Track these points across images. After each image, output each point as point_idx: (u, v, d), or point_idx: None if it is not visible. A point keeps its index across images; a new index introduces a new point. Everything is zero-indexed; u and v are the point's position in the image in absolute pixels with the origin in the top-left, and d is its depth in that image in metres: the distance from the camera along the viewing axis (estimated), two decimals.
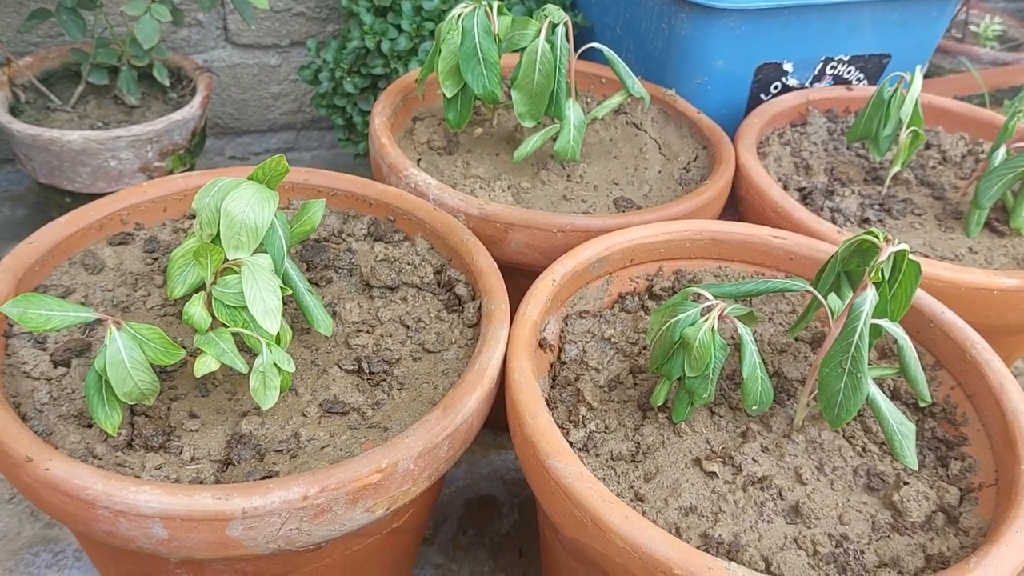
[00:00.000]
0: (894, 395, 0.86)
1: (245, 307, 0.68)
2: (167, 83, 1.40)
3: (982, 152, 1.26)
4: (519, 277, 0.96)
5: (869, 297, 0.71)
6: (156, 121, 1.31)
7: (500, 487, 1.17)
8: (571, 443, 0.77)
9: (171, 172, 1.36)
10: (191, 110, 1.35)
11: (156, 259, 0.90)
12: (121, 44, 1.36)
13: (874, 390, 0.74)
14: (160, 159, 1.34)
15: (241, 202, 0.71)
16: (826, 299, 0.78)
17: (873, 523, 0.73)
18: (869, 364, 0.87)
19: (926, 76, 1.99)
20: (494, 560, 1.08)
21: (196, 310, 0.69)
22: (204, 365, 0.67)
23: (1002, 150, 1.07)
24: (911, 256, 0.74)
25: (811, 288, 0.79)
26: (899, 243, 0.74)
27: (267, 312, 0.67)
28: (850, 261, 0.79)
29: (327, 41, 1.52)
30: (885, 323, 0.75)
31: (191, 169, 1.43)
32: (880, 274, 0.74)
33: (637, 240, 0.94)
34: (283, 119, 1.79)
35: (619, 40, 1.38)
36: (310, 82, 1.51)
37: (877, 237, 0.75)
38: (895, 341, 0.76)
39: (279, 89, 1.74)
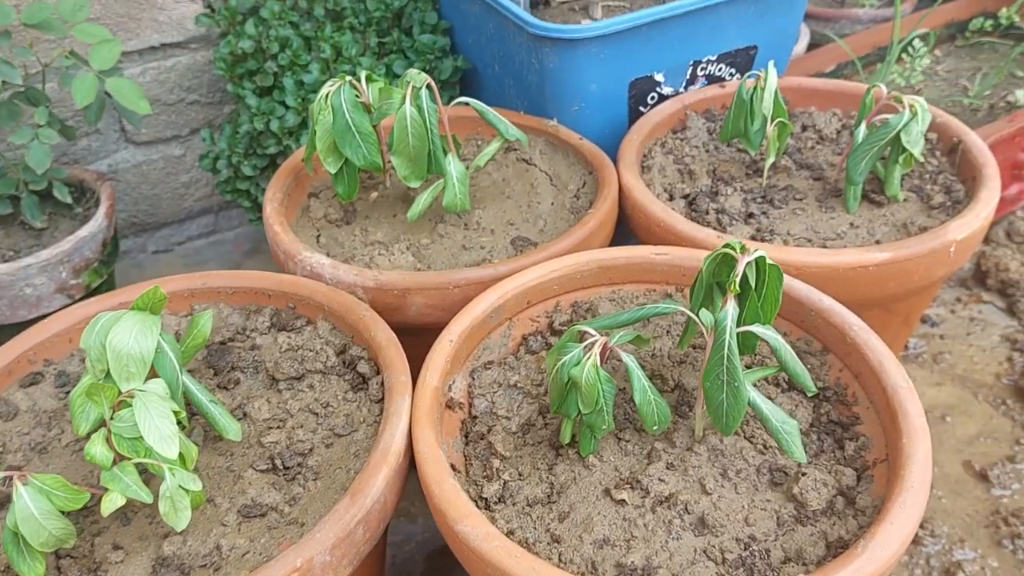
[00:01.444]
0: (791, 387, 0.90)
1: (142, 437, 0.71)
2: (70, 200, 1.41)
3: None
4: (428, 336, 0.99)
5: (730, 311, 0.75)
6: (63, 242, 1.32)
7: None
8: (486, 498, 0.80)
9: (89, 286, 1.38)
10: (96, 223, 1.36)
11: (68, 393, 0.92)
12: (17, 171, 1.38)
13: (754, 394, 0.78)
14: (75, 276, 1.36)
15: (124, 335, 0.74)
16: (698, 315, 0.82)
17: (778, 519, 0.77)
18: (753, 367, 0.91)
19: (812, 46, 2.05)
20: None
21: (97, 449, 0.71)
22: (111, 503, 0.69)
23: (863, 126, 1.12)
24: (769, 261, 0.79)
25: (684, 308, 0.83)
26: (755, 251, 0.78)
27: (163, 439, 0.70)
28: (720, 272, 0.83)
29: (222, 126, 1.55)
30: (756, 328, 0.79)
31: (109, 278, 1.45)
32: (746, 282, 0.79)
33: (529, 282, 0.98)
34: (199, 205, 1.81)
35: (500, 78, 1.42)
36: (210, 170, 1.54)
37: (734, 249, 0.79)
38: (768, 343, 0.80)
39: (188, 177, 1.76)
